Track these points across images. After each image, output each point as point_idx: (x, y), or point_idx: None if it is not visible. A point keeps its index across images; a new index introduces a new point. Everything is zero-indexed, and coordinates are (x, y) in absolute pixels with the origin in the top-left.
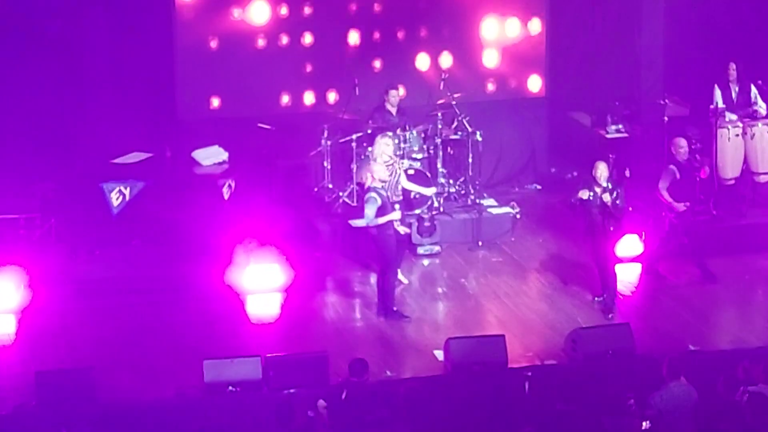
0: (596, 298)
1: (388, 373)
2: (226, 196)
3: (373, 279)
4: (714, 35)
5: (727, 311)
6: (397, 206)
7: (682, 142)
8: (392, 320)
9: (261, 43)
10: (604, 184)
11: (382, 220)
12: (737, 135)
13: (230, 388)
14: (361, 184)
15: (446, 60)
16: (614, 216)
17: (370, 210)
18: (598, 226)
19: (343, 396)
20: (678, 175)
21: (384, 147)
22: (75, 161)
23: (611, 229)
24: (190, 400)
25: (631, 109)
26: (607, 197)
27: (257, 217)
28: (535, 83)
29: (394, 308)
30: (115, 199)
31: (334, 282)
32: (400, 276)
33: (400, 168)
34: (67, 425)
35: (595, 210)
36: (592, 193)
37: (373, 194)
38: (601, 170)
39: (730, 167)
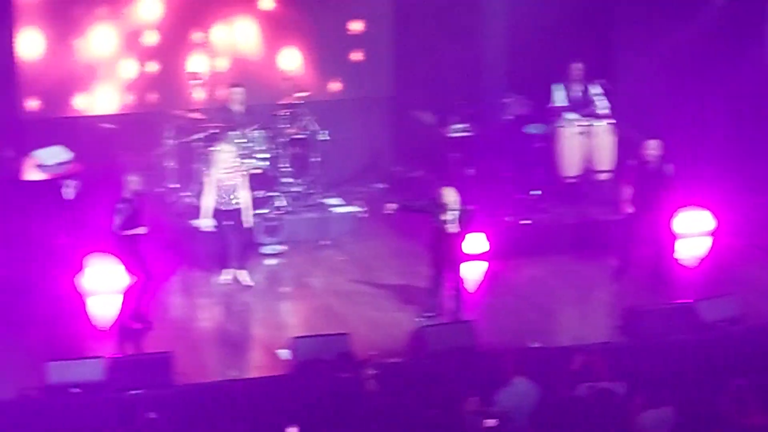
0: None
1: (233, 373)
2: (70, 197)
3: (217, 276)
4: (557, 33)
5: (568, 309)
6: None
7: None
8: None
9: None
10: (455, 208)
11: None
12: (578, 134)
13: (73, 389)
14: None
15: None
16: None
17: None
18: (441, 234)
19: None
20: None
21: (223, 155)
22: None
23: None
24: (33, 401)
25: (474, 107)
26: (453, 228)
27: (101, 217)
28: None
29: None
30: None
31: (178, 282)
32: (245, 277)
33: (240, 178)
34: None
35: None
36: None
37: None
38: (451, 196)
39: (571, 165)
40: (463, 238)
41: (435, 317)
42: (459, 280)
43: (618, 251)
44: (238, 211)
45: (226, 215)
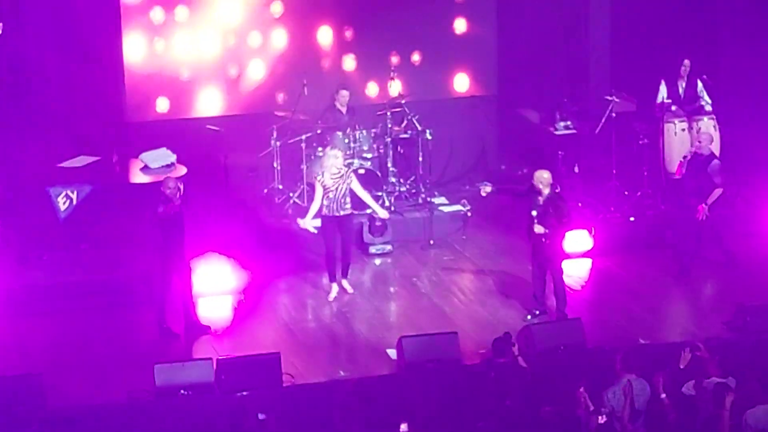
0: (528, 317)
1: (342, 373)
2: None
3: (324, 279)
4: (660, 30)
5: (677, 305)
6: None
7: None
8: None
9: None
10: (547, 192)
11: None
12: (683, 129)
13: (182, 391)
14: (311, 184)
15: (394, 59)
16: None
17: None
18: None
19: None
20: None
21: (333, 160)
22: (22, 166)
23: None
24: (142, 404)
25: (579, 105)
26: (538, 229)
27: (208, 219)
28: (461, 83)
29: None
30: (62, 204)
31: (285, 283)
32: (345, 284)
33: (349, 181)
34: None
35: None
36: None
37: None
38: (546, 176)
39: (677, 162)
40: (559, 230)
41: (541, 315)
42: (558, 275)
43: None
44: (347, 218)
45: (335, 221)
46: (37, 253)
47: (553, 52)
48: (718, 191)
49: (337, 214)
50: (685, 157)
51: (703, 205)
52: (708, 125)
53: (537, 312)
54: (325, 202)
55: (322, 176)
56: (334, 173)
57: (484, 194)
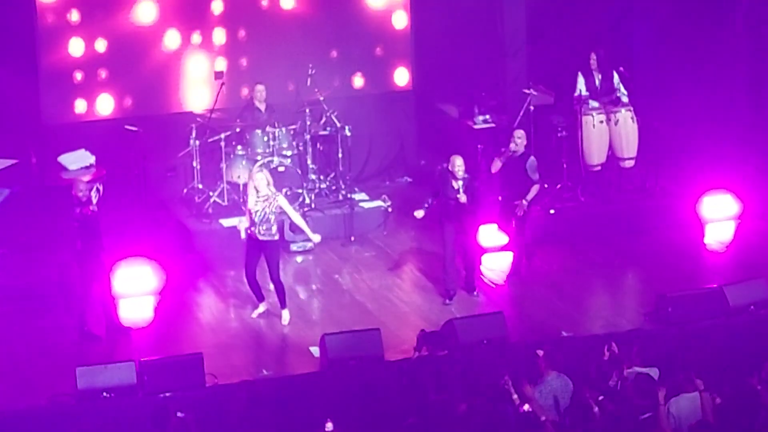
0: (446, 301)
1: (265, 372)
2: (94, 201)
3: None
4: (576, 23)
5: (598, 296)
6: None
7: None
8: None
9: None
10: (461, 175)
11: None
12: (601, 122)
13: (104, 394)
14: (231, 183)
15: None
16: (468, 209)
17: None
18: (452, 217)
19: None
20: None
21: (258, 181)
22: None
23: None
24: (64, 407)
25: (497, 99)
26: (462, 197)
27: (127, 220)
28: (402, 77)
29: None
30: None
31: (206, 283)
32: (283, 315)
33: (275, 205)
34: None
35: (451, 203)
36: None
37: None
38: (459, 164)
39: (596, 154)
40: (474, 211)
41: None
42: (473, 255)
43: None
44: (268, 243)
45: (257, 244)
46: None
47: (469, 45)
48: (536, 187)
49: (260, 238)
50: (501, 154)
51: (523, 201)
52: (626, 116)
53: (453, 294)
54: (249, 223)
55: (248, 197)
56: (259, 196)
57: (419, 217)
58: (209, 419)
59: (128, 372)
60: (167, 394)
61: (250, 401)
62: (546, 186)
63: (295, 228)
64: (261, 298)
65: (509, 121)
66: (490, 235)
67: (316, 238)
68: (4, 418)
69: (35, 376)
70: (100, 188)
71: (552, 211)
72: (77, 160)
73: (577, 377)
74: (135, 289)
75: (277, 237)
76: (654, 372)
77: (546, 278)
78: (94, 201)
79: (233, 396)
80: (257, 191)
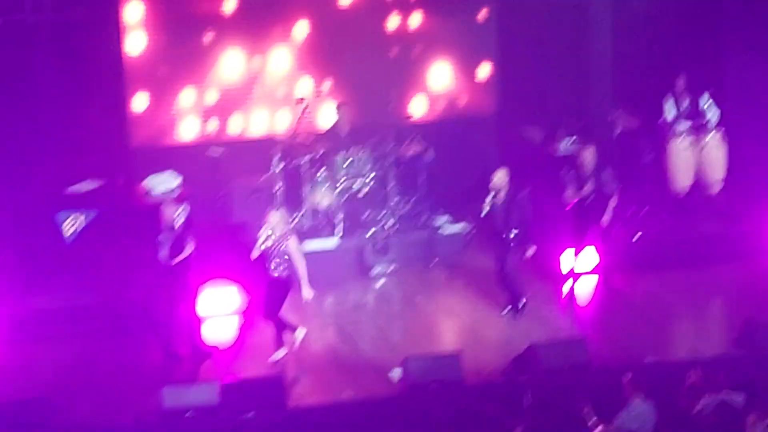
0: (504, 311)
1: (346, 394)
2: (180, 222)
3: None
4: (663, 46)
5: (682, 323)
6: None
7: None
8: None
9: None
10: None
11: None
12: (688, 147)
13: (188, 413)
14: (313, 206)
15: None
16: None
17: None
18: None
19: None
20: None
21: (273, 219)
22: (28, 191)
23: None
24: (149, 426)
25: (582, 122)
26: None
27: (211, 241)
28: (486, 100)
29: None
30: (68, 228)
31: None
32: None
33: (285, 244)
34: None
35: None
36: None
37: None
38: (499, 177)
39: (682, 178)
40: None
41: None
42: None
43: None
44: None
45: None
46: (43, 277)
47: (554, 69)
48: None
49: (273, 274)
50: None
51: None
52: (714, 140)
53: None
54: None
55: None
56: (270, 234)
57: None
58: None
59: (212, 392)
60: (249, 415)
61: (330, 424)
62: (633, 211)
63: (378, 250)
64: (293, 328)
65: (594, 145)
66: (583, 257)
67: (308, 293)
68: None
69: (120, 395)
70: (187, 209)
71: (637, 236)
72: (164, 181)
73: (663, 403)
74: (219, 310)
75: (286, 274)
76: (740, 397)
77: (630, 303)
78: (180, 222)
79: (313, 418)
80: (273, 230)
